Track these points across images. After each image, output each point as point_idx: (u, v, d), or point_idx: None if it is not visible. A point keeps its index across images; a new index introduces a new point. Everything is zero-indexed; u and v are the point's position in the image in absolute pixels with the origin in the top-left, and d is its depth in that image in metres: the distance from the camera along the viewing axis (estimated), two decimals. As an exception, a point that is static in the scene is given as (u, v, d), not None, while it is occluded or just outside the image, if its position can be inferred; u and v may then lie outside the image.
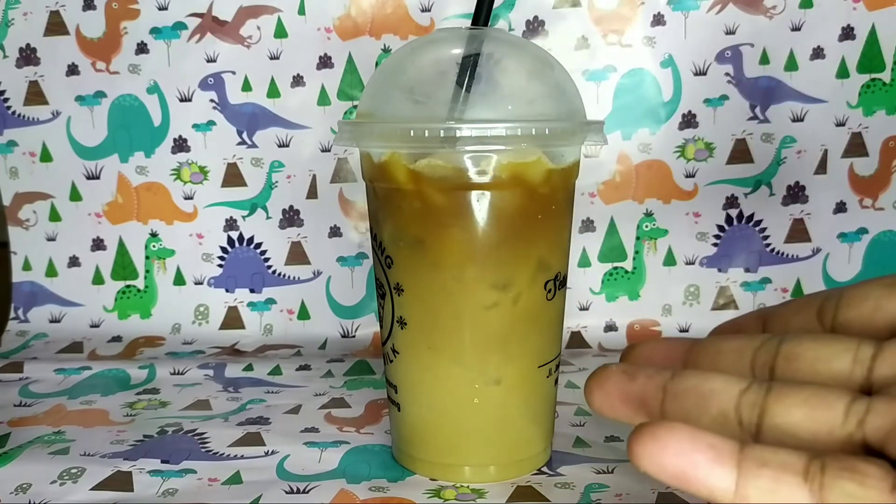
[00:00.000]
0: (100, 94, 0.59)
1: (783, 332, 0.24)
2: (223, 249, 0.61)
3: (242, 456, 0.39)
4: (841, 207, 0.58)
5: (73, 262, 0.62)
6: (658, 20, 0.56)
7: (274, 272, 0.61)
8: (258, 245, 0.61)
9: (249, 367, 0.53)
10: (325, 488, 0.35)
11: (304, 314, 0.60)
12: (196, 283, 0.61)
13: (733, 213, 0.58)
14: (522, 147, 0.32)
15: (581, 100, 0.35)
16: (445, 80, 0.33)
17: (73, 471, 0.37)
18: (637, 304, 0.59)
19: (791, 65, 0.56)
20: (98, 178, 0.60)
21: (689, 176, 0.58)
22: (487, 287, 0.33)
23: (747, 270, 0.58)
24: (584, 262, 0.59)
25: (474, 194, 0.32)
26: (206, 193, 0.60)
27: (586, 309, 0.59)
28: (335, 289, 0.60)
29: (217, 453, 0.39)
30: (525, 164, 0.32)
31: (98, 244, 0.61)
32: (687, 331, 0.58)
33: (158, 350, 0.57)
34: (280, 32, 0.58)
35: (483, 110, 0.32)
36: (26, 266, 0.62)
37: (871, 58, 0.56)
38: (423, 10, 0.57)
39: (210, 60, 0.58)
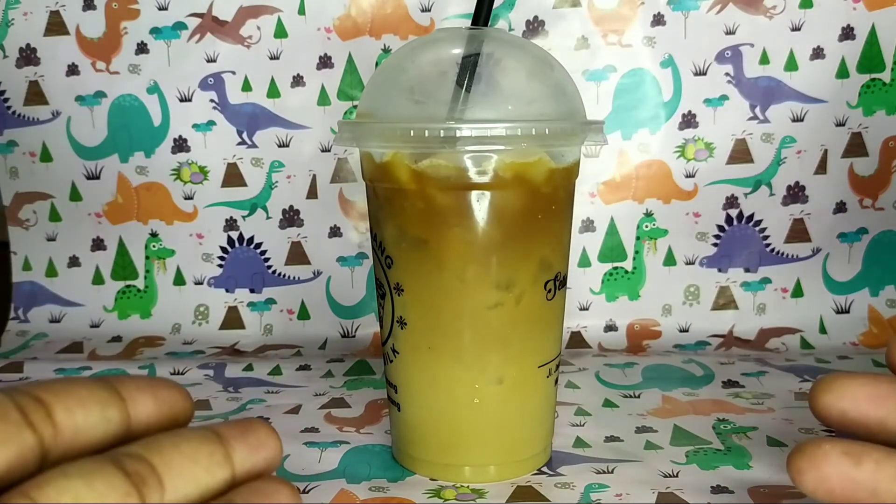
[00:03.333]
0: (100, 94, 0.59)
1: None
2: (223, 249, 0.61)
3: (242, 456, 0.39)
4: (841, 207, 0.58)
5: (73, 262, 0.62)
6: (658, 20, 0.56)
7: (274, 272, 0.61)
8: (258, 245, 0.61)
9: (249, 367, 0.53)
10: (325, 488, 0.35)
11: (304, 314, 0.60)
12: (196, 283, 0.61)
13: (733, 213, 0.58)
14: (522, 147, 0.32)
15: (581, 100, 0.35)
16: (445, 80, 0.33)
17: (73, 471, 0.37)
18: (637, 304, 0.59)
19: (791, 65, 0.56)
20: (98, 178, 0.60)
21: (689, 176, 0.58)
22: (490, 287, 0.33)
23: (747, 270, 0.58)
24: (584, 262, 0.59)
25: (477, 194, 0.32)
26: (206, 193, 0.60)
27: (586, 309, 0.59)
28: (335, 289, 0.60)
29: (217, 453, 0.39)
30: (528, 163, 0.32)
31: (98, 244, 0.61)
32: (687, 331, 0.58)
33: (158, 350, 0.57)
34: (280, 32, 0.58)
35: (483, 110, 0.32)
36: (26, 266, 0.62)
37: (871, 58, 0.56)
38: (423, 10, 0.57)
39: (210, 60, 0.58)
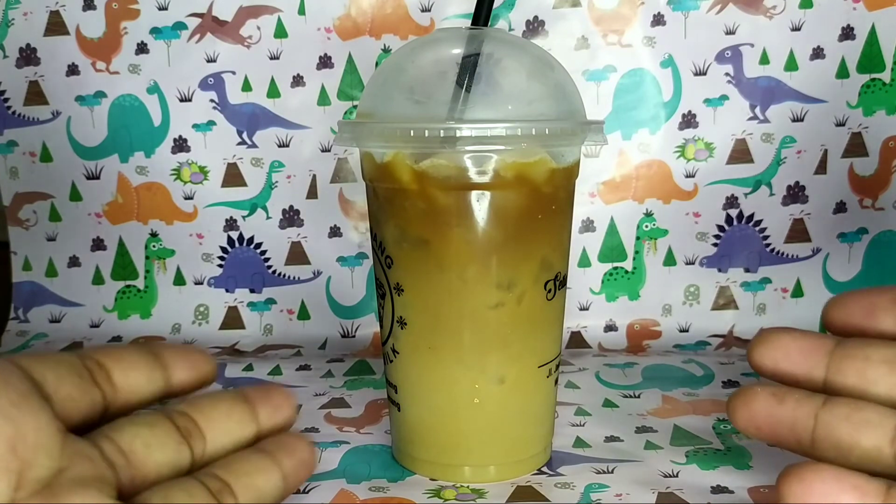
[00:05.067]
0: (100, 94, 0.59)
1: None
2: (223, 249, 0.61)
3: (242, 456, 0.39)
4: (841, 207, 0.58)
5: (73, 262, 0.62)
6: (658, 20, 0.56)
7: (274, 272, 0.61)
8: (258, 245, 0.61)
9: (249, 367, 0.53)
10: (325, 488, 0.35)
11: (304, 314, 0.60)
12: (196, 283, 0.61)
13: (733, 213, 0.58)
14: (523, 147, 0.32)
15: (581, 100, 0.35)
16: (445, 80, 0.33)
17: (74, 471, 0.37)
18: (637, 304, 0.59)
19: (791, 65, 0.56)
20: (98, 178, 0.60)
21: (689, 176, 0.58)
22: (492, 287, 0.33)
23: (747, 270, 0.58)
24: (584, 262, 0.59)
25: (478, 194, 0.32)
26: (206, 193, 0.60)
27: (586, 309, 0.59)
28: (335, 289, 0.60)
29: (217, 453, 0.39)
30: (528, 163, 0.32)
31: (98, 244, 0.61)
32: (687, 331, 0.58)
33: (158, 350, 0.57)
34: (280, 32, 0.58)
35: (483, 110, 0.32)
36: (26, 266, 0.62)
37: (871, 58, 0.56)
38: (423, 10, 0.57)
39: (210, 60, 0.58)
